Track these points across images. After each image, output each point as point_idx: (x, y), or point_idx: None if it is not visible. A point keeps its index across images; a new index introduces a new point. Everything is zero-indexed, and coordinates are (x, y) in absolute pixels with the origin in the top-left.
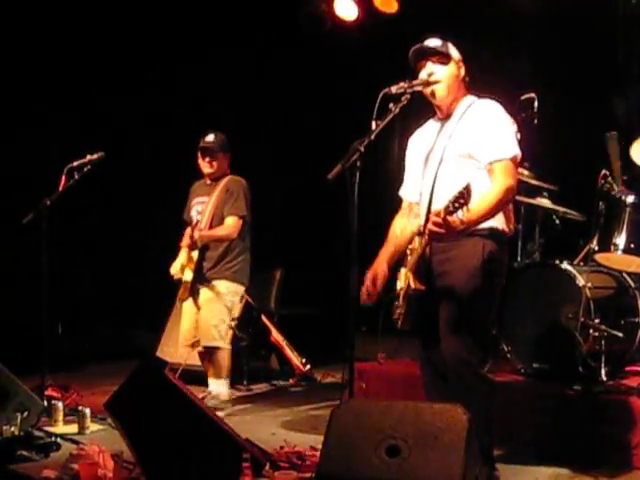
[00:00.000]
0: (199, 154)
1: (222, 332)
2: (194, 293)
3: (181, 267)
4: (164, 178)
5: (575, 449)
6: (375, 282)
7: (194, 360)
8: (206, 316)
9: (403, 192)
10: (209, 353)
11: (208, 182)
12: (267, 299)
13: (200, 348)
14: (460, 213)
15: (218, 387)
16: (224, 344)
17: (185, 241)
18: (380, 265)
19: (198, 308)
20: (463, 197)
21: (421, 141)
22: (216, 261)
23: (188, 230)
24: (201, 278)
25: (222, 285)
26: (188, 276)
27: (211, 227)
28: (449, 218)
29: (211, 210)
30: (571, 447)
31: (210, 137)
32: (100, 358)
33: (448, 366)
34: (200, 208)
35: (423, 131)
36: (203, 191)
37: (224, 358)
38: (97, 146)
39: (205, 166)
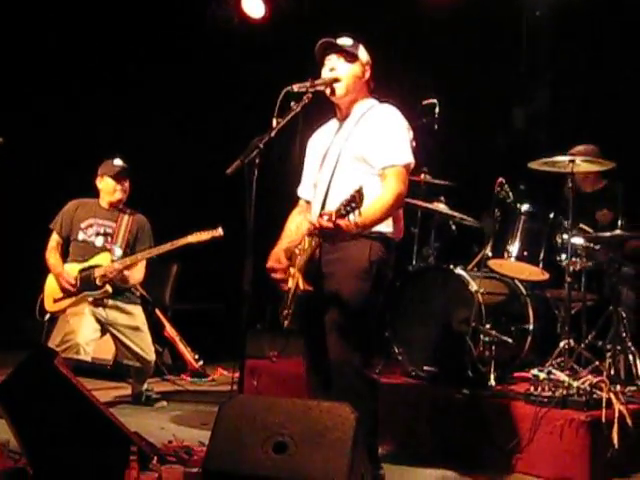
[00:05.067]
0: (110, 179)
1: None
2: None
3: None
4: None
5: (462, 452)
6: (279, 260)
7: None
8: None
9: (300, 190)
10: None
11: (106, 207)
12: (162, 293)
13: None
14: (352, 216)
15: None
16: None
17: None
18: (279, 250)
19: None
20: (355, 200)
21: (320, 141)
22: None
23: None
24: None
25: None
26: None
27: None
28: (340, 221)
29: (123, 241)
30: (458, 450)
31: (119, 161)
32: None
33: (332, 366)
34: (102, 230)
35: (323, 131)
36: (102, 215)
37: None
38: None
39: (117, 191)
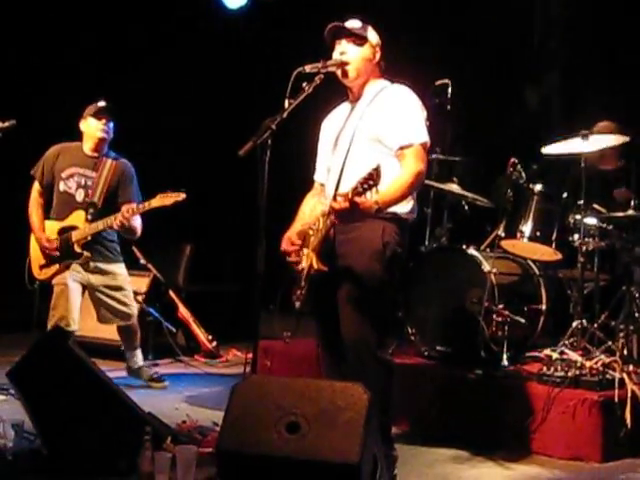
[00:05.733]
0: (91, 118)
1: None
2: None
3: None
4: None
5: (475, 432)
6: (292, 242)
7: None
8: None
9: (315, 174)
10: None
11: (88, 153)
12: (176, 274)
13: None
14: (369, 195)
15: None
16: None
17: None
18: (292, 233)
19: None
20: (372, 178)
21: (333, 123)
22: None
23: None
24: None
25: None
26: None
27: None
28: (358, 199)
29: (102, 194)
30: (471, 430)
31: (102, 102)
32: (8, 328)
33: (347, 347)
34: (83, 182)
35: (335, 113)
36: (84, 162)
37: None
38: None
39: (98, 130)
